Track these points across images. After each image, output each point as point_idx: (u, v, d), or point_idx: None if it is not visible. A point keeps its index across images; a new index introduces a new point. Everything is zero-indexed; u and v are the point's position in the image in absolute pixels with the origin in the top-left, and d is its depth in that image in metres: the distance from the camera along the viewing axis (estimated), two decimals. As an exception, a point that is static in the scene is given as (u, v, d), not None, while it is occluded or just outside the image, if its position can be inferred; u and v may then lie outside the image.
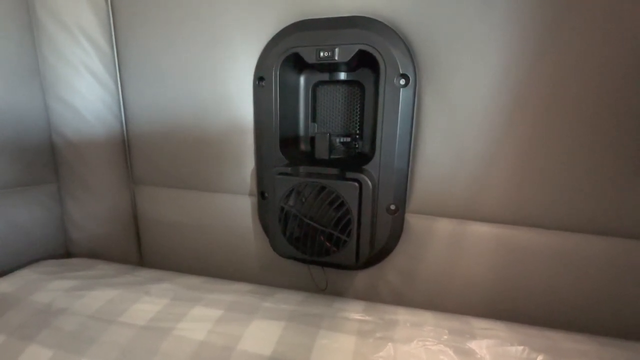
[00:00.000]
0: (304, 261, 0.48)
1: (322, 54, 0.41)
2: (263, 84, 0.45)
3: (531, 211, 0.40)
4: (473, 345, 0.26)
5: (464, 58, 0.38)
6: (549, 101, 0.36)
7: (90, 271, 0.43)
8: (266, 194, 0.48)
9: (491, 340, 0.26)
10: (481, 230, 0.42)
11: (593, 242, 0.38)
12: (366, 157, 0.44)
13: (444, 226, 0.43)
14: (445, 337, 0.27)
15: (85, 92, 0.50)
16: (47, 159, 0.51)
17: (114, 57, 0.52)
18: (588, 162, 0.37)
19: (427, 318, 0.31)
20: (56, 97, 0.49)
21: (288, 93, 0.47)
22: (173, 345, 0.28)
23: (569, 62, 0.35)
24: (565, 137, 0.37)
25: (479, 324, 0.30)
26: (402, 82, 0.39)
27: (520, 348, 0.25)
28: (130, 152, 0.55)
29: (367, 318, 0.31)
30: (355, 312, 0.32)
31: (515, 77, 0.36)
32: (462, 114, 0.39)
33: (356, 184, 0.40)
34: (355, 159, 0.47)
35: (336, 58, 0.41)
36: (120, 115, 0.54)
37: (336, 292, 0.48)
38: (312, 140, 0.49)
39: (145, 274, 0.44)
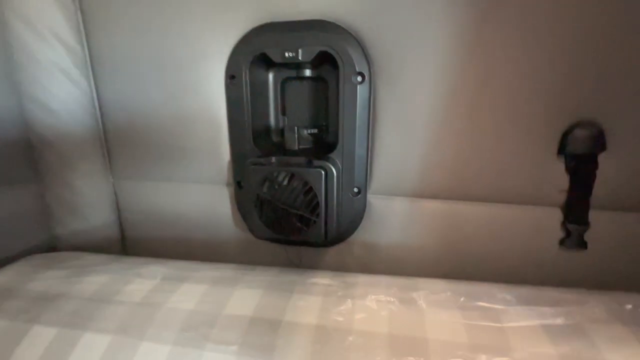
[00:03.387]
0: (279, 241, 0.54)
1: (287, 54, 0.45)
2: (234, 81, 0.49)
3: (470, 188, 0.47)
4: (414, 295, 0.32)
5: (410, 56, 0.43)
6: (479, 92, 0.43)
7: (79, 261, 0.46)
8: (242, 183, 0.53)
9: (428, 291, 0.33)
10: (431, 205, 0.49)
11: (518, 210, 0.46)
12: (332, 146, 0.49)
13: (400, 204, 0.49)
14: (393, 291, 0.33)
15: (58, 92, 0.52)
16: (26, 158, 0.52)
17: (85, 56, 0.53)
18: (514, 146, 0.44)
19: (382, 280, 0.38)
20: (31, 99, 0.50)
21: (258, 89, 0.51)
22: (166, 315, 0.33)
23: (496, 57, 0.41)
24: (494, 124, 0.43)
25: (422, 281, 0.37)
26: (359, 79, 0.45)
27: (449, 294, 0.32)
28: (108, 148, 0.57)
29: (332, 282, 0.37)
30: (322, 279, 0.38)
31: (451, 71, 0.43)
32: (411, 105, 0.45)
33: (322, 170, 0.45)
34: (322, 148, 0.52)
35: (300, 58, 0.45)
36: (96, 112, 0.56)
37: (310, 267, 0.54)
38: (283, 132, 0.53)
39: (132, 260, 0.47)
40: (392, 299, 0.32)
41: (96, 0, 0.51)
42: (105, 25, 0.52)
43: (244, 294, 0.35)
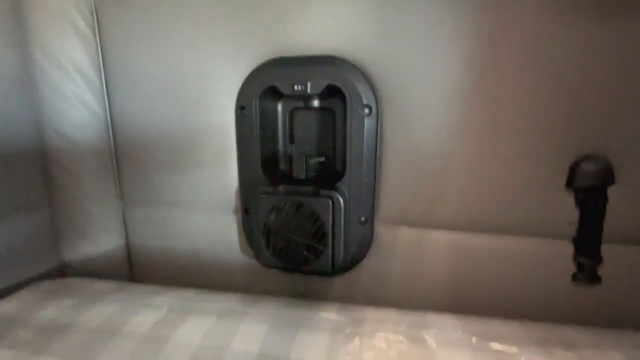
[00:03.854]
0: (286, 270, 0.53)
1: (296, 87, 0.47)
2: (245, 112, 0.50)
3: (479, 219, 0.47)
4: (424, 333, 0.32)
5: (416, 89, 0.44)
6: (486, 123, 0.43)
7: (88, 289, 0.46)
8: (250, 211, 0.53)
9: (438, 329, 0.33)
10: (439, 236, 0.48)
11: (528, 243, 0.45)
12: (339, 175, 0.50)
13: (407, 234, 0.49)
14: (402, 328, 0.33)
15: (77, 121, 0.54)
16: (42, 185, 0.54)
17: (102, 85, 0.56)
18: (522, 179, 0.44)
19: (391, 315, 0.37)
20: (51, 128, 0.52)
21: (267, 118, 0.52)
22: (173, 349, 0.33)
23: (504, 90, 0.42)
24: (501, 155, 0.44)
25: (432, 317, 0.36)
26: (366, 111, 0.46)
27: (460, 333, 0.31)
28: (119, 173, 0.58)
29: (339, 318, 0.36)
30: (329, 313, 0.37)
31: (458, 103, 0.43)
32: (418, 136, 0.46)
33: (329, 200, 0.46)
34: (329, 176, 0.53)
35: (308, 91, 0.46)
36: (110, 140, 0.58)
37: (315, 297, 0.53)
38: (291, 160, 0.54)
39: (139, 289, 0.47)
40: (401, 338, 0.32)
41: (114, 32, 0.54)
42: (122, 56, 0.54)
43: (250, 329, 0.35)
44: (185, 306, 0.40)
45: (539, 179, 0.43)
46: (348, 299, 0.52)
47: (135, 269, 0.62)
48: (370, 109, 0.45)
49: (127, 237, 0.61)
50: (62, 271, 0.57)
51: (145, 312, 0.39)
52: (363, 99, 0.45)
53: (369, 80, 0.45)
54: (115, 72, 0.55)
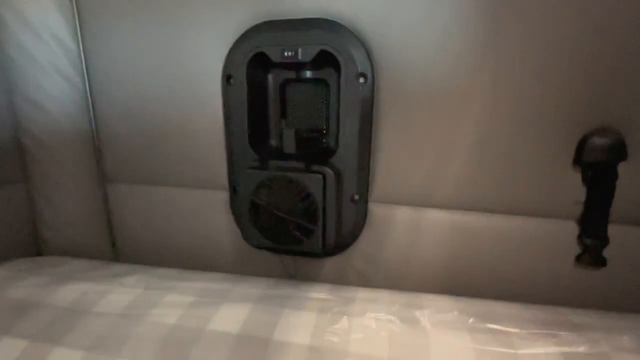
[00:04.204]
0: (275, 250, 0.51)
1: (286, 53, 0.43)
2: (231, 82, 0.47)
3: (479, 198, 0.44)
4: (417, 314, 0.29)
5: (416, 57, 0.41)
6: (490, 96, 0.40)
7: (63, 268, 0.44)
8: (238, 189, 0.50)
9: (433, 309, 0.30)
10: (436, 216, 0.46)
11: (531, 223, 0.43)
12: (332, 152, 0.47)
13: (403, 213, 0.47)
14: (395, 309, 0.30)
15: (53, 91, 0.50)
16: (15, 158, 0.50)
17: (80, 55, 0.52)
18: (528, 154, 0.41)
19: (383, 295, 0.35)
20: (23, 97, 0.49)
21: (256, 90, 0.49)
22: (147, 329, 0.30)
23: (509, 60, 0.39)
24: (509, 130, 0.41)
25: (427, 298, 0.34)
26: (361, 80, 0.42)
27: (456, 313, 0.29)
28: (100, 149, 0.55)
29: (328, 296, 0.34)
30: (318, 293, 0.35)
31: (460, 74, 0.40)
32: (416, 109, 0.43)
33: (320, 176, 0.43)
34: (322, 153, 0.50)
35: (299, 58, 0.43)
36: (89, 113, 0.54)
37: (306, 279, 0.51)
38: (281, 135, 0.51)
39: (119, 267, 0.45)
40: (393, 318, 0.29)
41: (93, -2, 0.49)
42: (102, 24, 0.50)
43: (231, 308, 0.32)
44: (163, 285, 0.37)
45: (544, 154, 0.40)
46: (341, 282, 0.50)
47: (119, 249, 0.60)
48: (366, 77, 0.42)
49: (109, 216, 0.58)
50: (40, 250, 0.54)
51: (120, 291, 0.36)
52: (358, 66, 0.42)
53: (365, 46, 0.42)
54: (94, 39, 0.51)
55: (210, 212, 0.54)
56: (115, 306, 0.34)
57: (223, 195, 0.52)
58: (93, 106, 0.54)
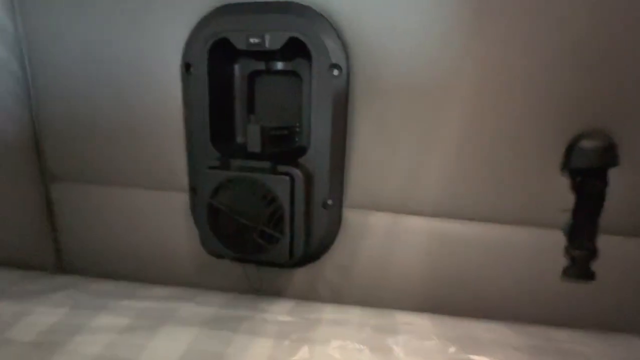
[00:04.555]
0: (237, 260, 0.46)
1: (251, 40, 0.39)
2: (191, 71, 0.42)
3: (461, 204, 0.40)
4: (390, 341, 0.25)
5: (395, 48, 0.37)
6: (475, 96, 0.37)
7: (-18, 281, 0.37)
8: (197, 190, 0.45)
9: (408, 335, 0.26)
10: (415, 223, 0.42)
11: (516, 232, 0.39)
12: (302, 151, 0.42)
13: (380, 220, 0.42)
14: (365, 335, 0.26)
15: (-19, 74, 0.44)
16: None
17: (17, 35, 0.45)
18: (512, 158, 0.38)
19: (353, 315, 0.30)
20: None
21: (220, 82, 0.44)
22: (61, 362, 0.25)
23: (492, 57, 0.36)
24: (492, 132, 0.38)
25: (403, 319, 0.30)
26: (335, 72, 0.38)
27: (435, 341, 0.25)
28: (41, 144, 0.48)
29: (289, 319, 0.29)
30: (278, 313, 0.30)
31: (442, 69, 0.37)
32: (394, 106, 0.39)
33: (287, 177, 0.38)
34: (290, 152, 0.45)
35: (267, 45, 0.38)
36: (29, 104, 0.47)
37: (273, 292, 0.46)
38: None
39: (52, 281, 0.39)
40: (362, 347, 0.25)
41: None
42: (43, 2, 0.44)
43: (171, 334, 0.27)
44: (95, 303, 0.31)
45: (530, 158, 0.37)
46: (311, 295, 0.45)
47: (65, 257, 0.53)
48: (340, 69, 0.38)
49: (52, 219, 0.51)
50: (-36, 259, 0.47)
51: (42, 311, 0.30)
52: (331, 56, 0.38)
53: (339, 34, 0.38)
54: (34, 21, 0.45)
55: (168, 216, 0.48)
56: (31, 331, 0.28)
57: (182, 198, 0.47)
58: (34, 95, 0.47)
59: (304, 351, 0.25)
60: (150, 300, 0.33)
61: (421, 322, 0.29)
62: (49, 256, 0.51)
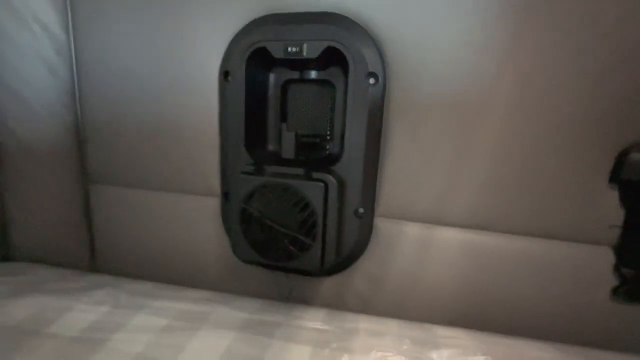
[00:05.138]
0: (267, 267, 0.46)
1: (290, 49, 0.39)
2: (229, 79, 0.43)
3: (499, 216, 0.39)
4: (434, 355, 0.24)
5: (433, 59, 0.37)
6: (516, 106, 0.36)
7: (25, 277, 0.39)
8: (230, 195, 0.46)
9: (453, 350, 0.25)
10: (449, 235, 0.41)
11: (557, 247, 0.38)
12: (335, 158, 0.42)
13: (412, 231, 0.42)
14: (406, 347, 0.25)
15: (36, 82, 0.47)
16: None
17: (69, 44, 0.48)
18: (556, 169, 0.36)
19: (390, 327, 0.29)
20: (2, 86, 0.45)
21: (256, 90, 0.45)
22: (104, 358, 0.25)
23: (535, 65, 0.35)
24: (534, 142, 0.36)
25: (443, 333, 0.28)
26: (371, 81, 0.38)
27: (482, 358, 0.24)
28: (84, 147, 0.51)
29: (325, 327, 0.29)
30: (313, 321, 0.30)
31: (481, 80, 0.36)
32: (431, 116, 0.38)
33: (322, 184, 0.38)
34: (324, 159, 0.45)
35: (304, 54, 0.39)
36: (75, 108, 0.50)
37: (301, 300, 0.45)
38: (281, 138, 0.47)
39: (90, 279, 0.40)
40: (404, 359, 0.24)
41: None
42: (95, 13, 0.47)
43: (209, 337, 0.27)
44: (135, 302, 0.32)
45: (575, 169, 0.36)
46: (339, 305, 0.44)
47: (98, 258, 0.54)
48: (377, 77, 0.38)
49: (89, 221, 0.53)
50: (8, 255, 0.49)
51: (84, 309, 0.31)
52: (368, 65, 0.38)
53: (376, 43, 0.38)
54: (86, 30, 0.47)
55: (199, 220, 0.49)
56: (74, 327, 0.28)
57: (214, 203, 0.48)
58: (80, 101, 0.50)
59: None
60: (186, 302, 0.33)
61: (463, 337, 0.28)
62: (84, 255, 0.53)
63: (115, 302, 0.32)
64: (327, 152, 0.46)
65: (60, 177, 0.50)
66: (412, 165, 0.40)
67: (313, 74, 0.45)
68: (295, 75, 0.45)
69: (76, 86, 0.49)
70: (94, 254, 0.54)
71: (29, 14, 0.45)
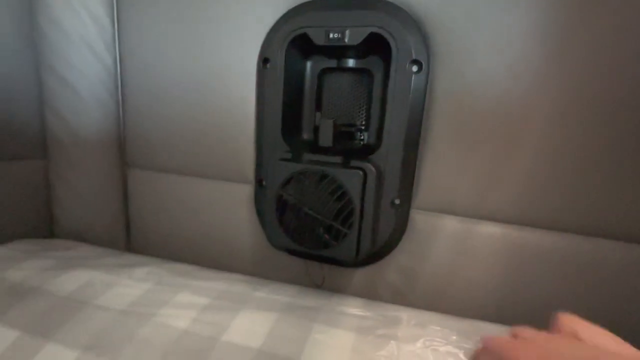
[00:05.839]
0: (300, 255, 0.46)
1: (331, 35, 0.39)
2: (268, 66, 0.43)
3: (542, 212, 0.37)
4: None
5: (480, 47, 0.36)
6: (566, 97, 0.34)
7: (72, 252, 0.40)
8: (264, 182, 0.46)
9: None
10: (489, 230, 0.39)
11: (607, 246, 0.36)
12: (372, 148, 0.41)
13: (450, 224, 0.40)
14: (454, 338, 0.24)
15: (82, 68, 0.48)
16: (36, 133, 0.48)
17: (114, 32, 0.50)
18: (604, 164, 0.34)
19: (432, 318, 0.29)
20: (50, 70, 0.47)
21: (294, 78, 0.45)
22: (152, 331, 0.26)
23: (589, 58, 0.33)
24: (582, 136, 0.35)
25: (488, 327, 0.27)
26: (415, 68, 0.37)
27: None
28: (124, 132, 0.52)
29: (367, 314, 0.28)
30: (354, 308, 0.29)
31: (532, 71, 0.34)
32: (476, 107, 0.37)
33: (361, 172, 0.38)
34: (361, 149, 0.45)
35: (346, 41, 0.39)
36: (117, 94, 0.52)
37: (333, 290, 0.45)
38: (315, 129, 0.47)
39: (131, 258, 0.41)
40: (455, 350, 0.23)
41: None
42: (139, 4, 0.48)
43: (252, 317, 0.27)
44: (176, 281, 0.33)
45: (627, 165, 0.34)
46: (371, 297, 0.44)
47: (134, 240, 0.56)
48: (420, 65, 0.37)
49: (126, 204, 0.55)
50: (52, 232, 0.51)
51: (128, 284, 0.32)
52: (413, 52, 0.37)
53: (421, 30, 0.37)
54: (130, 19, 0.49)
55: (232, 207, 0.49)
56: (121, 300, 0.29)
57: (247, 190, 0.48)
58: (122, 87, 0.51)
59: (392, 347, 0.23)
60: (224, 282, 0.33)
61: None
62: (120, 237, 0.55)
63: (158, 280, 0.33)
64: (362, 142, 0.46)
65: (102, 161, 0.52)
66: (453, 157, 0.39)
67: (351, 63, 0.44)
68: (333, 63, 0.45)
69: (119, 74, 0.51)
70: (130, 236, 0.56)
71: (80, 4, 0.46)
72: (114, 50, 0.50)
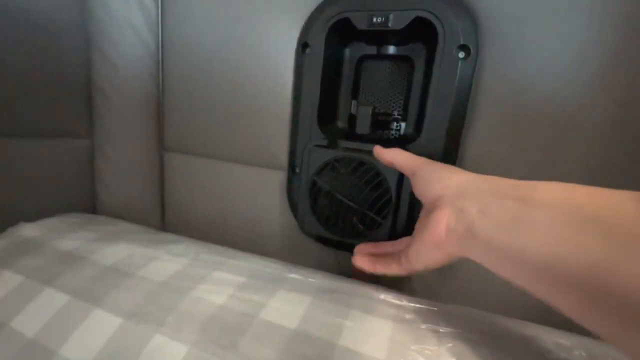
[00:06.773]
0: (330, 243, 0.45)
1: (375, 19, 0.38)
2: (307, 51, 0.43)
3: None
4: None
5: (534, 34, 0.33)
6: (624, 100, 0.31)
7: (114, 227, 0.42)
8: (297, 168, 0.46)
9: (555, 346, 0.23)
10: (534, 228, 0.37)
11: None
12: (411, 138, 0.40)
13: (490, 220, 0.39)
14: (492, 335, 0.23)
15: (126, 49, 0.50)
16: (84, 112, 0.50)
17: (157, 16, 0.51)
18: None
19: (473, 313, 0.28)
20: (98, 51, 0.49)
21: (332, 64, 0.44)
22: (191, 305, 0.26)
23: None
24: (632, 152, 0.32)
25: (530, 328, 0.26)
26: (462, 54, 0.36)
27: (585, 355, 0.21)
28: (163, 115, 0.54)
29: (403, 304, 0.27)
30: (389, 297, 0.29)
31: (593, 65, 0.32)
32: (527, 98, 0.35)
33: (399, 161, 0.36)
34: (399, 139, 0.44)
35: (390, 25, 0.37)
36: (158, 77, 0.53)
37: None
38: (351, 117, 0.46)
39: (167, 236, 0.42)
40: (491, 351, 0.22)
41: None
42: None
43: (287, 298, 0.27)
44: (213, 259, 0.33)
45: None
46: (404, 290, 0.43)
47: (167, 221, 0.58)
48: (468, 51, 0.35)
49: (162, 184, 0.56)
50: (95, 208, 0.54)
51: (167, 259, 0.33)
52: (461, 36, 0.35)
53: (471, 14, 0.35)
54: (173, 2, 0.50)
55: (265, 193, 0.50)
56: (161, 273, 0.30)
57: (280, 176, 0.48)
58: (163, 72, 0.53)
59: (432, 340, 0.23)
60: (257, 263, 0.34)
61: (555, 334, 0.26)
62: (155, 216, 0.57)
63: (195, 257, 0.33)
64: (398, 132, 0.44)
65: (141, 141, 0.53)
66: (497, 152, 0.37)
67: (392, 50, 0.43)
68: (372, 50, 0.44)
69: (160, 56, 0.52)
70: (164, 217, 0.58)
71: (126, -15, 0.48)
72: (157, 33, 0.51)
